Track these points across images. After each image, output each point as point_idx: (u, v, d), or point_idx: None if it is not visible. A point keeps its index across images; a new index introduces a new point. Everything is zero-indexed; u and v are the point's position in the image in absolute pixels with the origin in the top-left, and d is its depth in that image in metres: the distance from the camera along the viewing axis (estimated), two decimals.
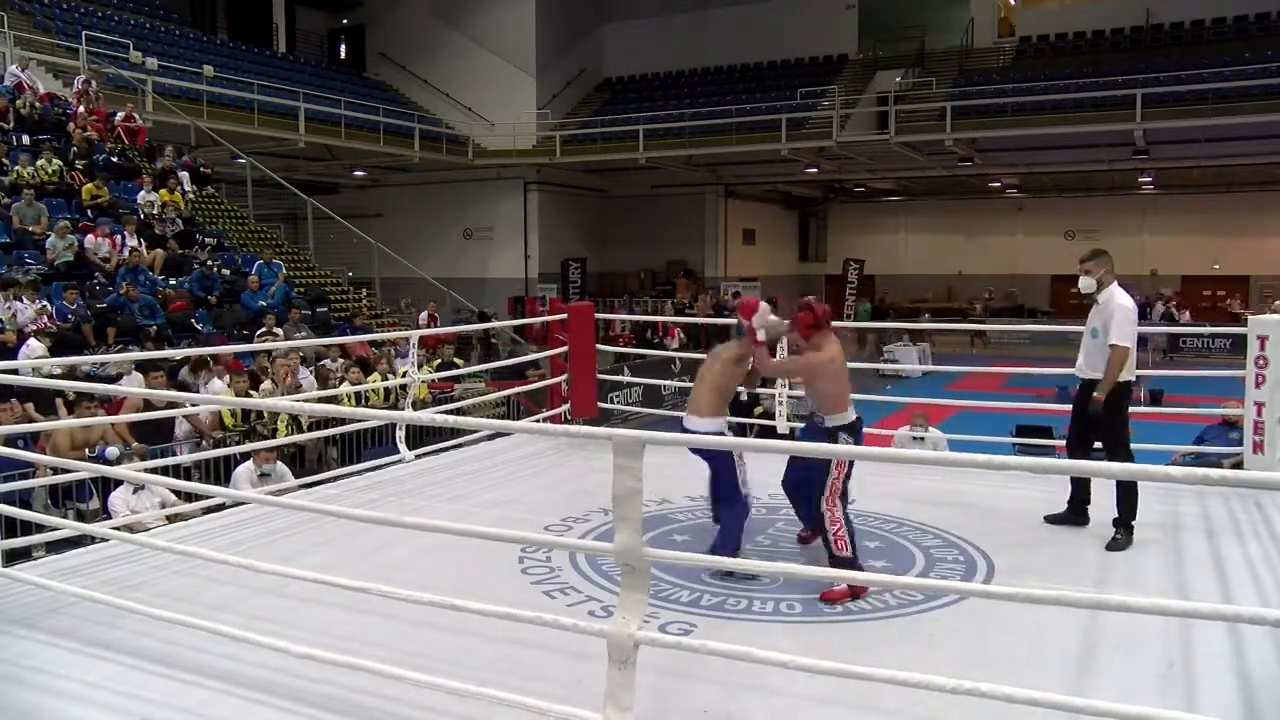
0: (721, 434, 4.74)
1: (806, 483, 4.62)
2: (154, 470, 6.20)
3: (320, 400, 8.07)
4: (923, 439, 8.39)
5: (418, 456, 6.99)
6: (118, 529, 5.01)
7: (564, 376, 7.94)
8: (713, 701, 3.30)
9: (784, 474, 4.94)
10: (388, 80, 28.61)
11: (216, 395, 8.63)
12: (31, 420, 7.84)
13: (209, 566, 4.22)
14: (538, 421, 7.85)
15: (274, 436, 8.36)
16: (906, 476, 6.32)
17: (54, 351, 9.50)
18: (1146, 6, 24.79)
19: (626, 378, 12.52)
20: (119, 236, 12.51)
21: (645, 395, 14.45)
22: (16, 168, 12.92)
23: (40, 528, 4.84)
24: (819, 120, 23.49)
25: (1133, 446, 5.34)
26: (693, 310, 23.10)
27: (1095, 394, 5.13)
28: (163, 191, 14.18)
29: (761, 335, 4.70)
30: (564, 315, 8.09)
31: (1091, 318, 5.29)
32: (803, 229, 34.75)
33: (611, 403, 13.67)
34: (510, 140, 26.08)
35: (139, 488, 6.77)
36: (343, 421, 7.19)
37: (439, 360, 11.76)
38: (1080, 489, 5.36)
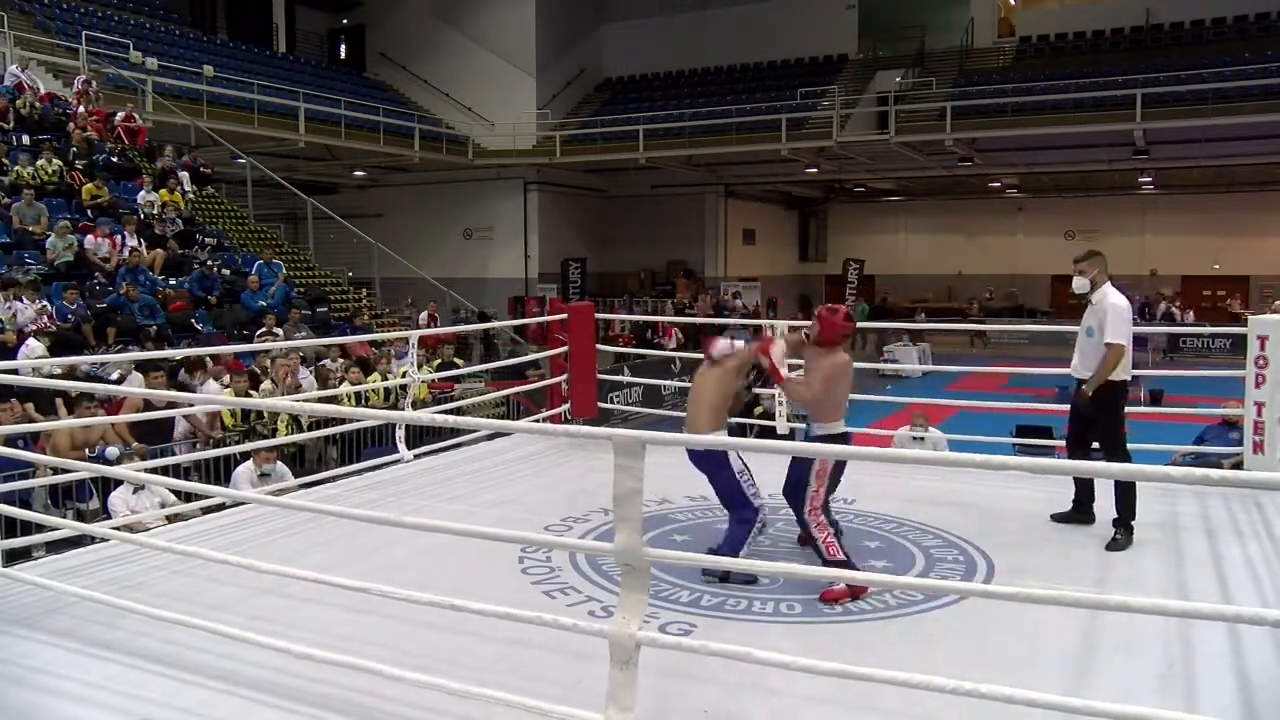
0: (721, 451, 4.66)
1: (802, 484, 4.62)
2: (154, 470, 6.20)
3: (320, 400, 8.07)
4: (923, 439, 8.39)
5: (417, 456, 6.98)
6: (117, 529, 5.01)
7: (564, 376, 7.94)
8: (713, 702, 3.30)
9: (785, 476, 4.94)
10: (388, 80, 28.61)
11: (212, 396, 8.63)
12: (31, 420, 7.84)
13: (209, 566, 4.22)
14: (538, 421, 7.85)
15: (274, 436, 8.36)
16: (906, 476, 6.32)
17: (54, 351, 9.50)
18: (1146, 6, 24.79)
19: (626, 378, 12.52)
20: (119, 236, 12.51)
21: (645, 395, 14.45)
22: (16, 168, 12.91)
23: (40, 528, 4.84)
24: (819, 120, 23.49)
25: (1133, 447, 5.36)
26: (693, 310, 23.10)
27: (1084, 388, 5.16)
28: (163, 191, 14.18)
29: (785, 370, 4.66)
30: (564, 315, 8.10)
31: (1086, 317, 5.32)
32: (803, 229, 34.75)
33: (611, 403, 13.67)
34: (510, 140, 26.08)
35: (139, 488, 6.77)
36: (342, 421, 7.19)
37: (439, 360, 11.77)
38: (1083, 489, 5.37)
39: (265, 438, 8.21)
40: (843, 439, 4.62)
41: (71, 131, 14.47)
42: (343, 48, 31.10)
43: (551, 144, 25.91)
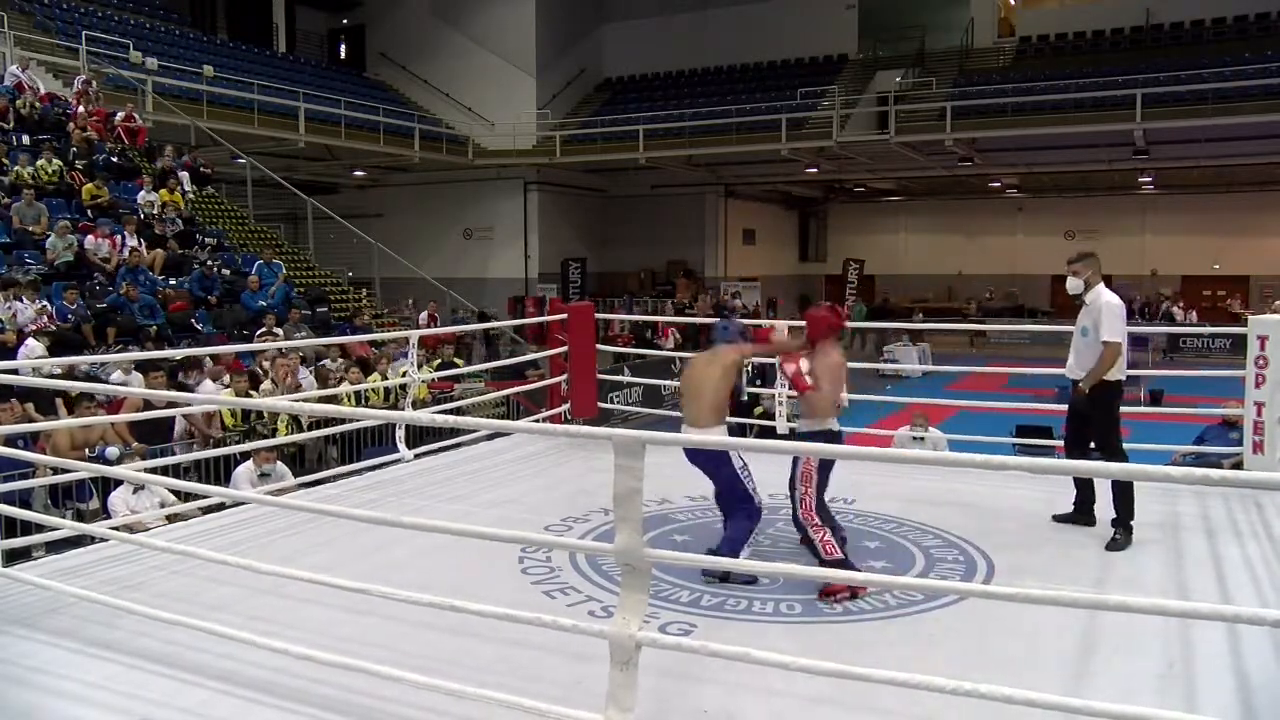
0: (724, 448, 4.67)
1: (794, 485, 4.63)
2: (154, 470, 6.20)
3: (320, 400, 8.07)
4: (923, 439, 8.39)
5: (417, 456, 6.99)
6: (117, 529, 5.01)
7: (564, 376, 7.94)
8: (713, 702, 3.30)
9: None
10: (388, 80, 28.61)
11: (209, 396, 8.62)
12: (31, 420, 7.84)
13: (208, 566, 4.21)
14: (537, 421, 7.85)
15: (274, 436, 8.36)
16: (906, 476, 6.32)
17: (54, 351, 9.50)
18: (1146, 6, 24.79)
19: (626, 378, 12.51)
20: (119, 236, 12.50)
21: (645, 395, 14.45)
22: (16, 168, 12.91)
23: (40, 528, 4.84)
24: (819, 120, 23.49)
25: (1133, 447, 5.37)
26: (693, 310, 23.10)
27: (1079, 385, 5.16)
28: (163, 191, 14.18)
29: (808, 380, 4.62)
30: (564, 315, 8.09)
31: (1081, 317, 5.34)
32: (803, 229, 34.75)
33: (611, 403, 13.67)
34: (510, 140, 26.07)
35: (139, 488, 6.77)
36: (342, 421, 7.19)
37: (439, 360, 11.76)
38: (1085, 491, 5.38)
39: (265, 438, 8.21)
40: (833, 437, 4.62)
41: (71, 131, 14.47)
42: (343, 48, 31.10)
43: (551, 144, 25.91)
